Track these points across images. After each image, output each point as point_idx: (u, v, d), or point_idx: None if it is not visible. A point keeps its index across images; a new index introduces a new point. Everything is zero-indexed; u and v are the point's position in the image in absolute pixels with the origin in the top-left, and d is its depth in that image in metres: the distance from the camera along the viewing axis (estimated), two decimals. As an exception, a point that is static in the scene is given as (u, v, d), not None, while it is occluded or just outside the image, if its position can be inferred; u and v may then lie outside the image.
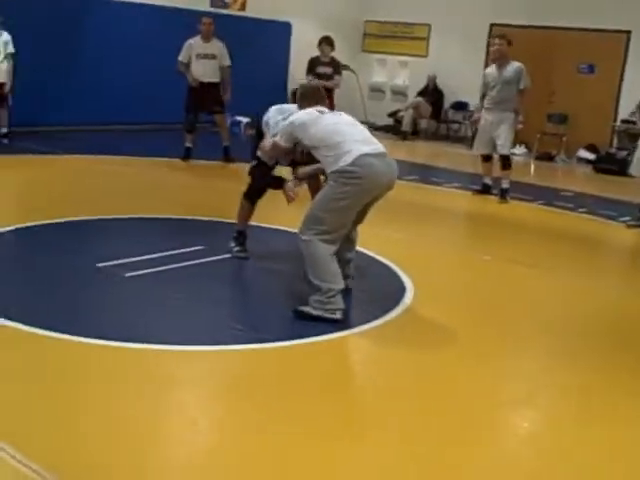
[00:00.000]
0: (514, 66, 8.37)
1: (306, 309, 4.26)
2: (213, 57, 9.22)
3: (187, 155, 9.24)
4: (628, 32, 12.49)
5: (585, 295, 5.29)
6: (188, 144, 9.25)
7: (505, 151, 8.43)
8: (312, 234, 4.25)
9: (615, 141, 12.63)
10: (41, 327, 3.76)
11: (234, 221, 6.14)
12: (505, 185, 8.46)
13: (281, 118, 4.99)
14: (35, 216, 5.86)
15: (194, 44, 9.23)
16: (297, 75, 13.96)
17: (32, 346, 3.65)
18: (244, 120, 13.37)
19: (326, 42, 9.37)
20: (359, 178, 4.15)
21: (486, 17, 13.76)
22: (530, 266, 5.80)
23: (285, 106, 5.22)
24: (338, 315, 4.21)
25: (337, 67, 9.44)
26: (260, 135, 5.28)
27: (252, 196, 5.33)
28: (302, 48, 13.77)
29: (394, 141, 13.78)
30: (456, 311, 4.69)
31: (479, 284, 5.40)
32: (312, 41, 13.88)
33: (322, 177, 5.04)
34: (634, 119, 7.80)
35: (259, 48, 12.81)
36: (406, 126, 14.10)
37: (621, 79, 12.71)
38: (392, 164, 4.37)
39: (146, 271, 4.82)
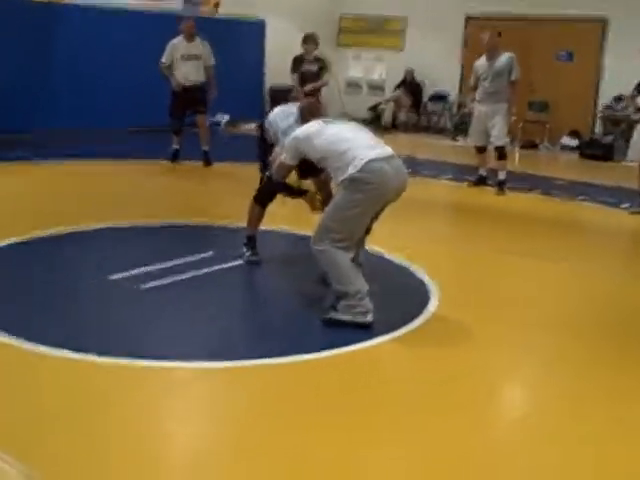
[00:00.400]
0: (505, 57, 8.30)
1: (336, 315, 4.11)
2: (197, 57, 9.00)
3: (175, 157, 9.02)
4: (605, 20, 12.50)
5: (619, 291, 5.15)
6: (175, 146, 9.03)
7: (500, 142, 8.34)
8: (327, 243, 4.13)
9: (599, 127, 12.61)
10: (73, 349, 3.54)
11: (238, 225, 6.02)
12: (502, 176, 8.36)
13: (292, 120, 4.83)
14: (29, 228, 5.56)
15: (177, 45, 8.99)
16: (273, 73, 13.83)
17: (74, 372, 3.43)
18: (223, 119, 13.20)
19: (310, 39, 9.17)
20: (370, 184, 4.03)
21: (461, 8, 13.70)
22: (552, 260, 5.69)
23: (290, 108, 5.04)
24: (369, 317, 4.06)
25: (323, 65, 9.23)
26: (263, 136, 5.10)
27: (263, 200, 5.14)
28: (277, 45, 13.64)
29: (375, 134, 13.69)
30: (483, 311, 4.51)
31: (504, 281, 5.25)
32: (287, 38, 13.81)
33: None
34: (627, 106, 7.76)
35: (233, 48, 12.60)
36: (386, 119, 14.01)
37: (599, 66, 12.72)
38: (401, 166, 4.24)
39: (162, 282, 4.60)
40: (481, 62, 8.42)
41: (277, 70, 13.87)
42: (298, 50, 13.43)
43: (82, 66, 10.86)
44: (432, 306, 4.45)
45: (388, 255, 5.38)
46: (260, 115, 13.82)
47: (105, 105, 11.03)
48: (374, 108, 14.29)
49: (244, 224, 6.00)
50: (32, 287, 4.51)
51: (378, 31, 14.82)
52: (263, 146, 5.11)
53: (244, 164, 9.42)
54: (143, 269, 4.80)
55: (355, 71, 15.14)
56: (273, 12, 13.50)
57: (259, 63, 13.57)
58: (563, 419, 3.22)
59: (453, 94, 14.14)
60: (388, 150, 4.20)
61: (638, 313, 4.73)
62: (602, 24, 12.52)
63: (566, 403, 3.39)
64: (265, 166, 5.09)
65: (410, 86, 14.10)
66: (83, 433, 2.86)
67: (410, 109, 14.12)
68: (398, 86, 14.25)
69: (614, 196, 8.43)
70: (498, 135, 8.31)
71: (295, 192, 4.90)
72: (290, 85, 13.96)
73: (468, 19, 13.78)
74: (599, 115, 12.55)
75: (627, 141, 11.91)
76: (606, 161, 11.58)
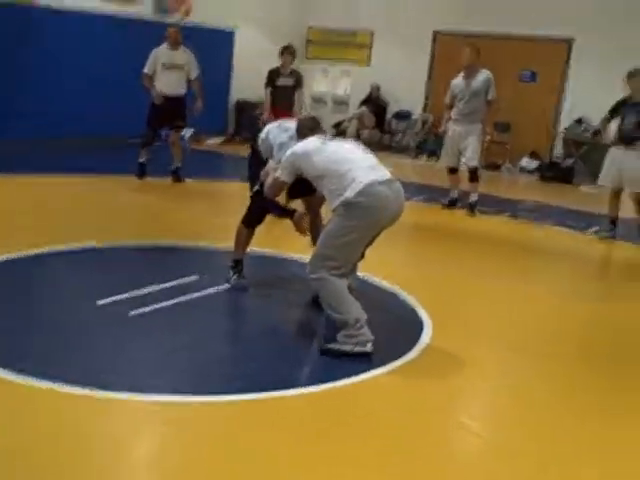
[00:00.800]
0: (483, 76, 8.33)
1: (335, 346, 4.06)
2: (180, 68, 8.81)
3: (142, 172, 8.83)
4: (570, 40, 12.73)
5: (611, 317, 5.25)
6: (142, 160, 8.83)
7: (474, 163, 8.40)
8: (324, 271, 4.07)
9: (560, 149, 12.82)
10: (74, 384, 3.42)
11: (218, 246, 5.98)
12: (473, 198, 8.43)
13: (286, 137, 4.76)
14: None
15: (160, 53, 8.76)
16: (240, 84, 13.75)
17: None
18: (187, 133, 13.04)
19: (287, 52, 9.09)
20: (366, 209, 3.97)
21: (429, 24, 13.81)
22: (535, 284, 5.78)
23: (287, 124, 4.99)
24: (369, 348, 4.02)
25: (299, 78, 9.19)
26: (255, 154, 5.03)
27: (251, 223, 5.08)
28: (245, 57, 13.58)
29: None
30: (478, 339, 4.54)
31: (492, 308, 5.27)
32: (255, 50, 13.75)
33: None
34: (597, 131, 7.91)
35: (201, 58, 12.47)
36: (350, 137, 14.00)
37: (562, 87, 12.95)
38: (400, 190, 4.18)
39: (149, 308, 4.50)
40: (458, 81, 8.47)
41: (244, 83, 13.83)
42: (267, 63, 13.38)
43: (48, 72, 10.64)
44: (426, 336, 4.43)
45: (368, 278, 5.32)
46: (225, 129, 13.88)
47: (70, 113, 10.81)
48: (337, 125, 14.30)
49: (225, 245, 5.97)
50: (13, 312, 4.33)
51: (345, 45, 14.83)
52: (254, 164, 5.02)
53: (212, 181, 9.43)
54: (129, 294, 4.69)
55: (320, 86, 15.11)
56: (242, 23, 13.44)
57: (226, 75, 13.48)
58: (560, 453, 3.24)
59: (417, 112, 14.23)
60: (387, 173, 4.15)
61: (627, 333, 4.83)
62: (568, 44, 12.73)
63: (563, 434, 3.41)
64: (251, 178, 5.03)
65: (375, 103, 14.15)
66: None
67: (373, 127, 14.17)
68: (363, 102, 14.28)
69: (580, 220, 8.58)
70: (471, 156, 8.37)
71: (285, 212, 4.85)
72: (258, 99, 13.99)
73: (436, 34, 13.89)
74: (561, 137, 12.75)
75: (585, 164, 12.16)
76: (566, 184, 11.78)
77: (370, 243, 4.25)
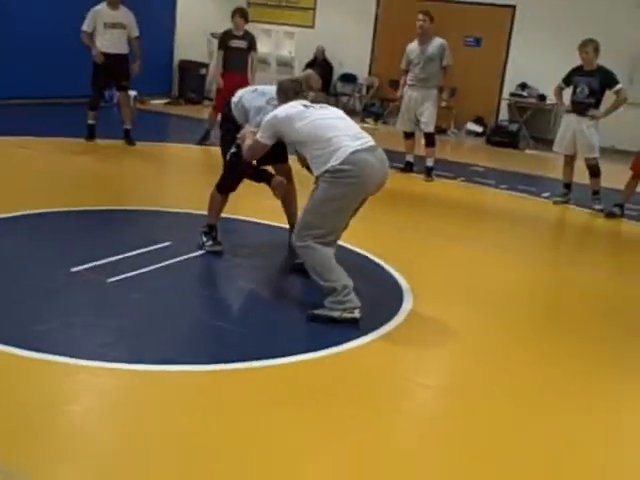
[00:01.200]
0: (437, 42, 8.36)
1: (323, 312, 4.03)
2: (122, 27, 8.54)
3: (91, 134, 8.58)
4: (513, 6, 12.84)
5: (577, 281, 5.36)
6: (91, 121, 8.57)
7: (429, 128, 8.44)
8: (309, 239, 4.05)
9: (505, 114, 12.98)
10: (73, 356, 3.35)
11: (186, 211, 5.88)
12: (430, 163, 8.49)
13: (264, 101, 4.67)
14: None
15: (101, 11, 8.47)
16: (183, 44, 13.44)
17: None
18: (132, 94, 12.73)
19: (239, 14, 8.94)
20: (353, 177, 3.94)
21: (371, -13, 13.72)
22: (498, 248, 5.86)
23: (264, 88, 4.89)
24: (357, 314, 4.00)
25: (252, 41, 9.04)
26: (229, 119, 4.91)
27: (225, 188, 4.99)
28: (187, 18, 13.27)
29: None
30: (457, 305, 4.58)
31: (464, 273, 5.32)
32: (198, 11, 13.45)
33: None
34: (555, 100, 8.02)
35: (142, 17, 12.11)
36: (297, 98, 13.87)
37: (507, 53, 13.08)
38: (384, 158, 4.17)
39: (126, 275, 4.39)
40: (413, 46, 8.45)
41: (187, 43, 13.53)
42: (210, 23, 13.18)
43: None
44: (407, 303, 4.44)
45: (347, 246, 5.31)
46: (169, 90, 13.57)
47: (15, 74, 10.37)
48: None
49: (192, 210, 5.89)
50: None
51: (288, 7, 14.61)
52: (226, 130, 4.91)
53: (164, 143, 9.23)
54: (104, 261, 4.56)
55: (264, 47, 14.79)
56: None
57: (169, 36, 13.14)
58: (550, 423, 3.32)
59: (363, 76, 14.18)
60: (371, 140, 4.12)
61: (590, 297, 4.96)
62: (511, 10, 12.83)
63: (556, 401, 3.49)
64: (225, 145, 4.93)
65: (321, 66, 14.01)
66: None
67: (320, 89, 14.02)
68: (308, 65, 14.12)
69: (533, 184, 8.75)
70: (427, 121, 8.40)
71: (263, 175, 4.79)
72: (201, 59, 13.71)
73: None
74: (507, 102, 12.90)
75: (529, 129, 12.38)
76: (512, 148, 11.96)
77: (355, 213, 4.23)
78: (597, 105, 7.58)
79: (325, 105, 4.38)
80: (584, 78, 7.57)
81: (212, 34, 14.05)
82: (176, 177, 7.46)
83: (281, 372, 3.47)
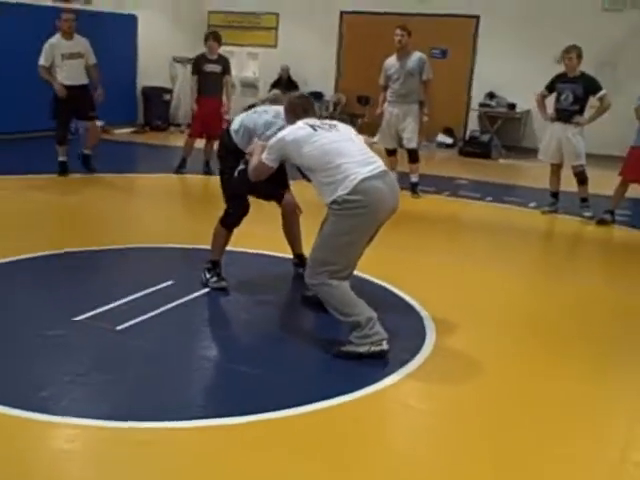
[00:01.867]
0: (416, 57, 8.24)
1: (350, 348, 3.84)
2: (80, 56, 8.23)
3: (63, 170, 8.28)
4: (477, 17, 12.87)
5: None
6: (62, 158, 8.29)
7: (413, 144, 8.31)
8: (324, 277, 3.85)
9: (474, 124, 12.96)
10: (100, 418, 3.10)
11: (179, 246, 5.65)
12: (415, 179, 8.37)
13: (271, 116, 4.48)
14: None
15: (56, 44, 8.12)
16: (146, 71, 13.18)
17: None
18: (99, 124, 12.41)
19: (213, 37, 8.78)
20: (363, 207, 3.75)
21: (336, 4, 13.66)
22: (502, 263, 5.74)
23: (261, 108, 4.72)
24: (385, 346, 3.81)
25: (226, 65, 8.86)
26: (229, 151, 4.70)
27: (230, 223, 4.76)
28: (149, 43, 13.03)
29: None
30: (479, 331, 4.44)
31: (475, 292, 5.18)
32: (159, 36, 13.22)
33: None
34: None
35: (104, 45, 11.83)
36: (265, 120, 13.71)
37: (473, 63, 13.10)
38: (395, 183, 4.00)
39: (135, 321, 4.14)
40: (391, 62, 8.31)
41: (150, 70, 13.28)
42: (171, 49, 12.98)
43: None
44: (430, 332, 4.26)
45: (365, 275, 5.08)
46: (134, 118, 13.26)
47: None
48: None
49: (186, 244, 5.68)
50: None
51: (250, 28, 14.48)
52: (229, 163, 4.70)
53: (138, 174, 8.97)
54: (107, 307, 4.31)
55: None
56: (143, 9, 12.87)
57: (131, 62, 12.86)
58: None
59: (329, 93, 14.08)
60: (381, 164, 3.94)
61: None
62: (475, 20, 12.85)
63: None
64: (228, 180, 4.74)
65: (286, 85, 13.88)
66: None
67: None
68: (274, 84, 13.99)
69: (517, 195, 8.69)
70: (410, 137, 8.28)
71: (270, 193, 4.63)
72: (165, 85, 13.48)
73: (343, 14, 13.74)
74: (477, 113, 12.89)
75: (500, 138, 12.39)
76: (484, 159, 11.93)
77: (370, 240, 4.05)
78: (581, 112, 7.55)
79: (335, 124, 4.12)
80: (568, 85, 7.53)
81: (174, 58, 13.87)
82: (161, 210, 7.20)
83: (318, 418, 3.26)
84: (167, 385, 3.52)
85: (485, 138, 12.24)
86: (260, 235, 5.60)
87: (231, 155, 4.65)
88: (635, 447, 3.21)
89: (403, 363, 3.80)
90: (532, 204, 8.14)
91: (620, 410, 3.52)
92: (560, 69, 7.75)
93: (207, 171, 8.83)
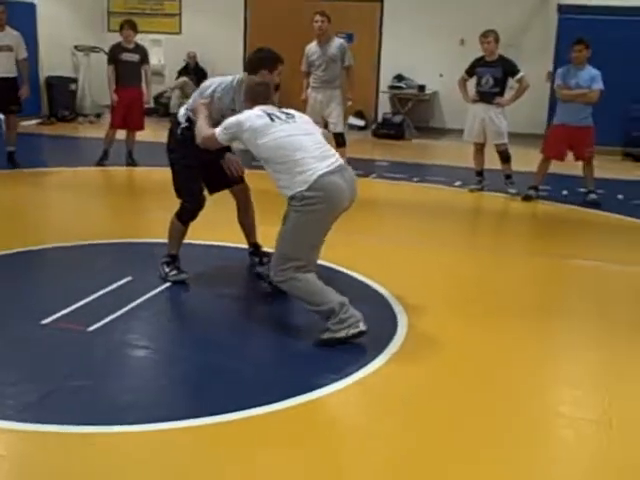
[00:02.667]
0: (337, 43, 8.30)
1: (329, 335, 3.87)
2: (9, 49, 8.01)
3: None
4: (381, 0, 13.04)
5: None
6: None
7: (339, 129, 8.36)
8: (290, 272, 3.88)
9: (386, 107, 13.16)
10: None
11: (126, 240, 5.56)
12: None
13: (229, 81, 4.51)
14: None
15: None
16: (48, 60, 12.68)
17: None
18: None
19: (128, 25, 8.53)
20: (322, 203, 3.80)
21: (239, -11, 13.53)
22: (447, 246, 5.91)
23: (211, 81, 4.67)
24: (362, 327, 3.85)
25: (144, 53, 8.65)
26: (181, 142, 4.60)
27: (185, 219, 4.69)
28: (48, 32, 12.55)
29: (165, 124, 13.13)
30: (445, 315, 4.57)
31: (435, 273, 5.32)
32: (58, 24, 12.74)
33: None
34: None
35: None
36: (174, 108, 13.46)
37: (379, 46, 13.28)
38: (352, 176, 4.05)
39: (105, 320, 4.03)
40: (313, 48, 8.31)
41: (52, 59, 12.80)
42: (72, 37, 12.54)
43: None
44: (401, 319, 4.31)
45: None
46: (38, 110, 12.73)
47: None
48: (159, 97, 13.67)
49: (133, 239, 5.59)
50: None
51: (152, 15, 14.15)
52: (181, 155, 4.61)
53: (59, 168, 8.66)
54: (72, 307, 4.18)
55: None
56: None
57: (32, 51, 12.26)
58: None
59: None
60: (338, 158, 3.97)
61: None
62: (380, 3, 13.03)
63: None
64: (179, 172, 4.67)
65: (194, 72, 13.67)
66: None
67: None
68: (181, 71, 13.77)
69: (440, 174, 8.92)
70: (336, 122, 8.33)
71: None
72: (71, 75, 13.01)
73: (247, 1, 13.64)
74: (388, 95, 13.09)
75: (412, 119, 12.66)
76: (398, 140, 12.16)
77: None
78: (502, 93, 7.82)
79: (292, 113, 4.12)
80: (487, 69, 7.77)
81: (76, 47, 13.41)
82: (95, 204, 7.02)
83: (301, 411, 3.27)
84: (152, 386, 3.46)
85: (397, 119, 12.46)
86: (213, 226, 5.52)
87: (180, 146, 4.57)
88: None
89: (382, 347, 3.86)
90: (457, 183, 8.38)
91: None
92: (464, 51, 7.98)
93: (130, 162, 8.66)
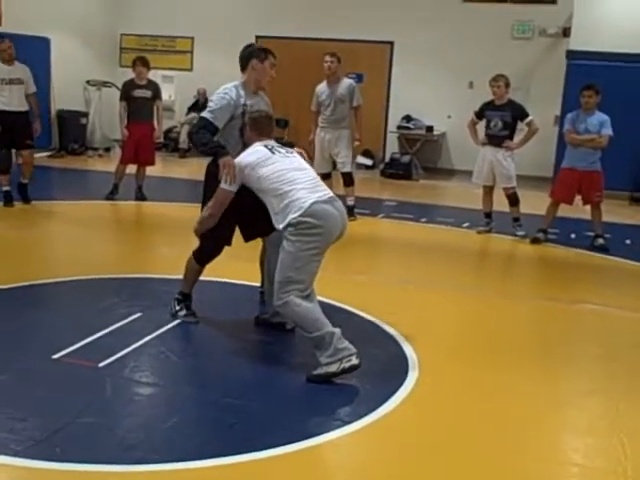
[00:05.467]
0: (346, 83, 8.40)
1: (321, 371, 3.89)
2: (20, 82, 8.06)
3: (9, 200, 7.98)
4: (391, 42, 13.22)
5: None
6: (6, 187, 8.05)
7: (347, 168, 8.44)
8: (291, 296, 3.96)
9: (394, 146, 13.26)
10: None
11: (136, 275, 5.57)
12: (351, 202, 8.46)
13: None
14: None
15: None
16: (60, 94, 12.83)
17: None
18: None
19: (141, 62, 8.65)
20: (318, 227, 3.94)
21: (251, 29, 13.69)
22: (457, 289, 5.90)
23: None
24: (355, 360, 3.86)
25: (157, 89, 8.75)
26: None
27: (202, 260, 4.65)
28: (62, 67, 12.71)
29: (174, 159, 13.27)
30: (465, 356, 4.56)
31: (447, 315, 5.32)
32: (72, 59, 12.92)
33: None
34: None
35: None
36: (183, 143, 13.61)
37: (389, 87, 13.43)
38: (343, 209, 4.19)
39: (116, 356, 4.03)
40: (322, 88, 8.41)
41: (63, 93, 12.95)
42: (84, 72, 12.70)
43: None
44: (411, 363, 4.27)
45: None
46: (49, 143, 12.84)
47: None
48: (168, 132, 13.79)
49: (142, 274, 5.60)
50: None
51: (164, 51, 14.36)
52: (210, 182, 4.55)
53: (71, 202, 8.71)
54: (82, 343, 4.17)
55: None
56: (55, 31, 12.56)
57: (45, 85, 12.46)
58: None
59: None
60: (329, 191, 4.15)
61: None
62: (389, 47, 13.21)
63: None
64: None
65: (203, 108, 13.76)
66: None
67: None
68: (190, 108, 13.91)
69: (448, 215, 8.94)
70: (344, 162, 8.41)
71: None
72: (82, 109, 13.17)
73: (258, 39, 13.78)
74: (396, 135, 13.20)
75: (420, 160, 12.75)
76: (405, 180, 12.23)
77: None
78: (511, 136, 7.88)
79: (291, 151, 4.36)
80: (496, 112, 7.84)
81: (87, 81, 13.57)
82: (104, 238, 7.06)
83: (321, 452, 3.27)
84: (160, 425, 3.39)
85: (406, 159, 12.55)
86: (227, 263, 5.51)
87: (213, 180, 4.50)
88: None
89: (393, 391, 3.83)
90: (465, 224, 8.40)
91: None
92: (473, 93, 8.06)
93: (140, 197, 8.71)
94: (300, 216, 3.91)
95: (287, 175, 4.07)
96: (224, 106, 4.46)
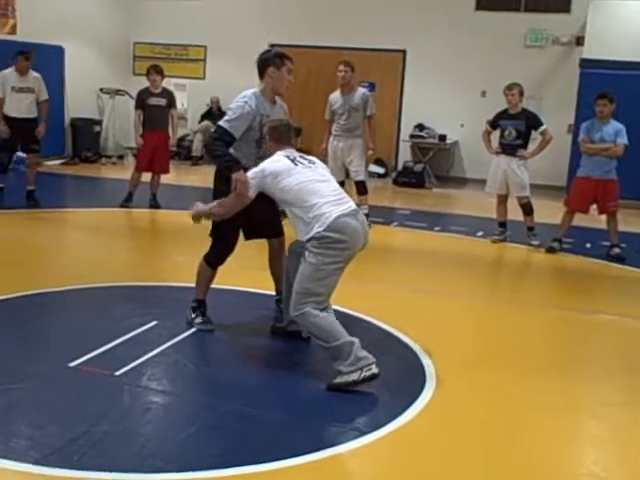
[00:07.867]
0: (359, 93, 8.39)
1: (341, 379, 3.88)
2: (30, 90, 8.23)
3: (-1, 198, 8.12)
4: (404, 51, 13.23)
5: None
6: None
7: (360, 177, 8.43)
8: (309, 307, 3.96)
9: (407, 155, 13.25)
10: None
11: (151, 283, 5.57)
12: (365, 210, 8.40)
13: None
14: None
15: (9, 76, 8.17)
16: (74, 102, 12.90)
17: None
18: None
19: (155, 70, 8.68)
20: (341, 242, 3.95)
21: (264, 37, 13.70)
22: (473, 297, 5.88)
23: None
24: (375, 369, 3.86)
25: (171, 98, 8.78)
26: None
27: (214, 262, 4.68)
28: (75, 75, 12.78)
29: (187, 167, 13.30)
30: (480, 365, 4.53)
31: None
32: (85, 67, 12.99)
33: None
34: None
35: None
36: (196, 151, 13.65)
37: (401, 96, 13.42)
38: (364, 221, 4.18)
39: (132, 365, 4.03)
40: (336, 97, 8.41)
41: (77, 101, 13.02)
42: (97, 80, 12.77)
43: None
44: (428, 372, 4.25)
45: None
46: (62, 150, 12.91)
47: None
48: (182, 140, 13.84)
49: (158, 282, 5.60)
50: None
51: (177, 59, 14.42)
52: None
53: (85, 209, 8.74)
54: (98, 351, 4.18)
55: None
56: (69, 39, 12.64)
57: (59, 93, 12.54)
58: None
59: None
60: (352, 204, 4.14)
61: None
62: (402, 54, 13.21)
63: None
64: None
65: (217, 116, 13.82)
66: None
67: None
68: (203, 116, 13.95)
69: (462, 224, 8.91)
70: (358, 170, 8.40)
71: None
72: (93, 117, 13.22)
73: (272, 47, 13.80)
74: (409, 144, 13.19)
75: (432, 168, 12.74)
76: (418, 188, 12.21)
77: None
78: (525, 145, 7.85)
79: (314, 160, 4.32)
80: (510, 121, 7.82)
81: (101, 89, 13.64)
82: (119, 246, 7.06)
83: (339, 462, 3.25)
84: (176, 434, 3.37)
85: (419, 168, 12.53)
86: (241, 271, 5.51)
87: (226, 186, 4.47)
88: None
89: (410, 401, 3.80)
90: (479, 233, 8.37)
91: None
92: (485, 102, 8.04)
93: (154, 205, 8.73)
94: (324, 230, 3.91)
95: (310, 187, 4.05)
96: (243, 115, 4.44)
